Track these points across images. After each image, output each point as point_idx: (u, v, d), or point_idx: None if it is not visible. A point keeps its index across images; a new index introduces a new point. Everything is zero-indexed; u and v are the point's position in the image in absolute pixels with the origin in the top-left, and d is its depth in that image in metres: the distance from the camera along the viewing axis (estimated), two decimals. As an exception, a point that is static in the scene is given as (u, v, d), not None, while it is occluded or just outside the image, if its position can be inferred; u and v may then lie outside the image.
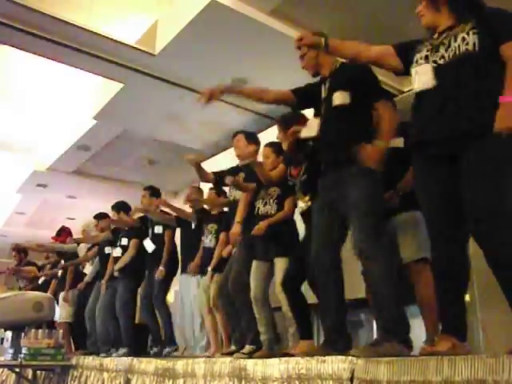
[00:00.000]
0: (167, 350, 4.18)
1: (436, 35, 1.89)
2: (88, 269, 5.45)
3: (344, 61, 2.37)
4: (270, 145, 3.15)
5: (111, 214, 4.95)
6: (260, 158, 3.26)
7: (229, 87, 2.49)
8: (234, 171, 3.55)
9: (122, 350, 4.33)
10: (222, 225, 3.84)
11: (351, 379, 1.64)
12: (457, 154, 1.76)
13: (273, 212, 3.01)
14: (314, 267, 2.25)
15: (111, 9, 4.41)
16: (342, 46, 2.14)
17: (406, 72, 2.00)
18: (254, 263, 3.05)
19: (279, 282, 2.85)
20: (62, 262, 5.70)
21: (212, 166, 6.00)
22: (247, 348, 2.94)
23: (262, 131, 5.19)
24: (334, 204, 2.21)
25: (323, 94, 2.34)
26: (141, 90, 4.88)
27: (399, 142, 2.45)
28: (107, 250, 4.95)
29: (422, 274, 2.27)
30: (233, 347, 3.20)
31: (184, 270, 4.24)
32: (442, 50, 1.83)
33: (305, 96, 2.46)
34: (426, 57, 1.87)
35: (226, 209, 3.98)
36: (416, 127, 1.92)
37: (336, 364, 1.71)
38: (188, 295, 4.20)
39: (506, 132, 1.62)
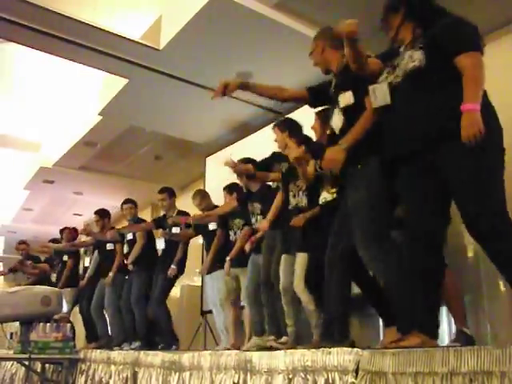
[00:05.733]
0: (174, 347, 4.23)
1: (402, 49, 2.01)
2: (87, 261, 5.49)
3: None
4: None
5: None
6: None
7: (244, 83, 2.47)
8: (276, 159, 3.46)
9: (135, 344, 4.39)
10: (246, 219, 3.86)
11: (356, 371, 1.64)
12: (427, 164, 1.87)
13: (303, 204, 3.02)
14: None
15: (115, 4, 4.40)
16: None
17: None
18: (283, 257, 3.11)
19: (301, 276, 2.90)
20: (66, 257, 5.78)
21: (216, 160, 6.02)
22: (285, 338, 2.98)
23: (266, 125, 5.19)
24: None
25: (331, 92, 2.35)
26: (146, 85, 4.88)
27: None
28: (109, 246, 4.98)
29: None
30: (272, 337, 3.22)
31: (209, 271, 4.25)
32: (396, 70, 1.96)
33: (319, 95, 2.47)
34: (386, 77, 2.01)
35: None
36: (386, 143, 2.05)
37: (341, 356, 1.71)
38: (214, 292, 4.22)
39: (473, 140, 1.71)
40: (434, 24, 1.92)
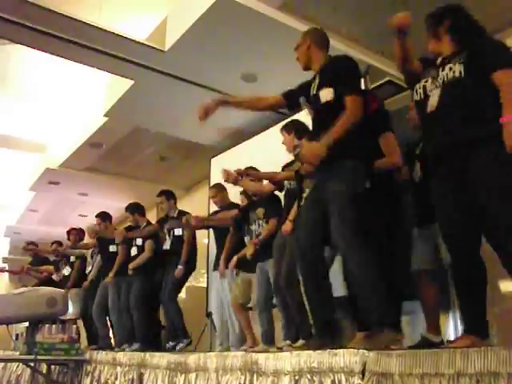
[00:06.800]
0: (181, 344, 4.22)
1: (439, 61, 2.06)
2: (89, 269, 5.51)
3: (333, 55, 2.45)
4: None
5: (125, 215, 5.02)
6: None
7: (222, 100, 2.55)
8: (289, 165, 3.49)
9: (135, 346, 4.39)
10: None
11: (363, 372, 1.64)
12: (461, 169, 1.90)
13: None
14: None
15: (120, 6, 4.43)
16: None
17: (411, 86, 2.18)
18: None
19: None
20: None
21: (221, 162, 6.03)
22: (300, 342, 2.92)
23: (271, 126, 5.19)
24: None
25: (313, 91, 2.38)
26: (151, 87, 4.90)
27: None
28: (112, 248, 4.99)
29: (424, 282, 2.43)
30: (288, 341, 3.17)
31: (216, 268, 4.22)
32: (435, 81, 2.00)
33: (296, 98, 2.51)
34: (424, 87, 2.04)
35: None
36: (425, 146, 2.13)
37: (348, 357, 1.71)
38: (222, 290, 4.18)
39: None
40: (472, 42, 1.97)
